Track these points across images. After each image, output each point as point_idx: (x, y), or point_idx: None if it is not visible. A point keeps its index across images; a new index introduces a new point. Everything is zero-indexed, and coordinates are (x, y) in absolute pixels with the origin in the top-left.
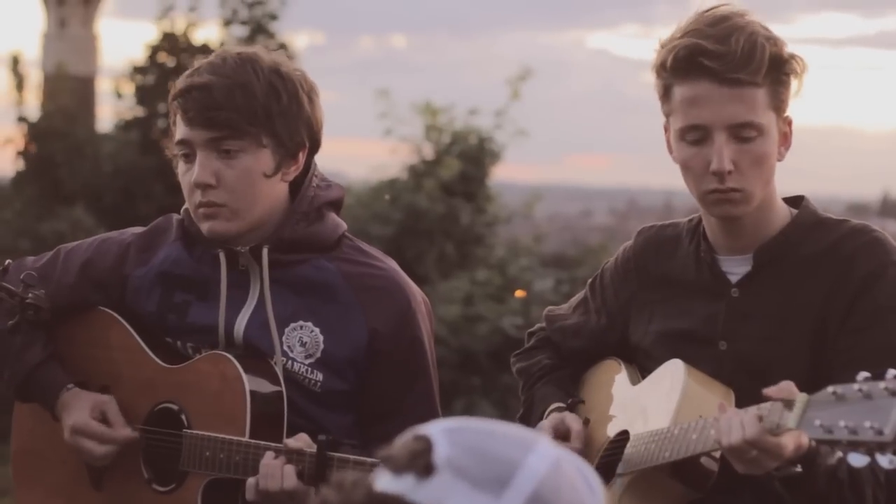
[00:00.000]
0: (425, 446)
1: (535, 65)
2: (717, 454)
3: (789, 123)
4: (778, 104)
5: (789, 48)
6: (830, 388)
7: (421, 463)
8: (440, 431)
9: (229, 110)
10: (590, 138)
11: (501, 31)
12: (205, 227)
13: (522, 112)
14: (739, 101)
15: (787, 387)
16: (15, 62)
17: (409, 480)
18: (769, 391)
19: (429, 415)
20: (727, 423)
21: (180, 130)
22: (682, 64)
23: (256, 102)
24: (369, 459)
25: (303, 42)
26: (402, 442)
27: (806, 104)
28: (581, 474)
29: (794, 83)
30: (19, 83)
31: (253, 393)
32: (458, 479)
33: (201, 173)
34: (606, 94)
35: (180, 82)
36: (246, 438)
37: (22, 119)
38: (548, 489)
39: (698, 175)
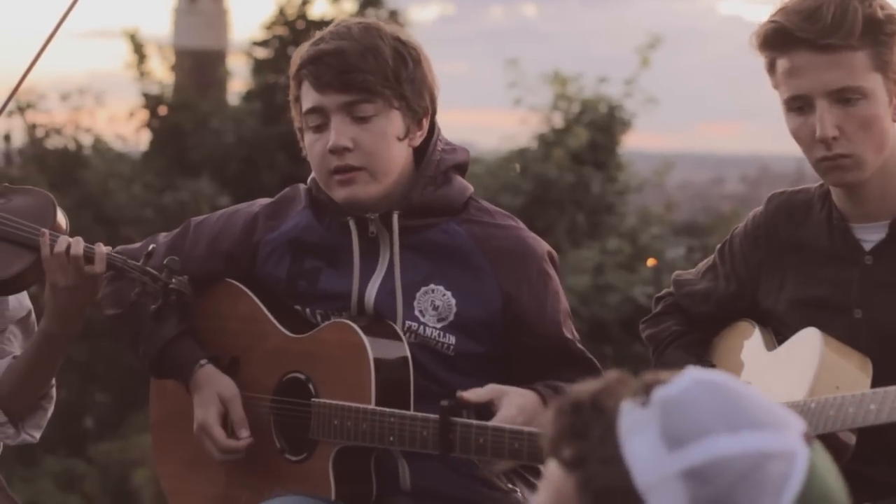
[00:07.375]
0: (659, 381)
1: (666, 32)
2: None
3: None
4: (882, 65)
5: (889, 8)
6: None
7: (643, 393)
8: (690, 377)
9: (365, 72)
10: (721, 106)
11: None
12: (342, 194)
13: (653, 80)
14: (837, 66)
15: None
16: (132, 38)
17: (631, 405)
18: None
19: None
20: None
21: (311, 98)
22: (779, 38)
23: (387, 65)
24: (491, 424)
25: (433, 13)
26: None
27: None
28: (784, 481)
29: None
30: (140, 59)
31: (377, 360)
32: (655, 422)
33: (338, 138)
34: (738, 61)
35: (306, 52)
36: (372, 406)
37: (149, 94)
38: (716, 473)
39: (808, 144)
